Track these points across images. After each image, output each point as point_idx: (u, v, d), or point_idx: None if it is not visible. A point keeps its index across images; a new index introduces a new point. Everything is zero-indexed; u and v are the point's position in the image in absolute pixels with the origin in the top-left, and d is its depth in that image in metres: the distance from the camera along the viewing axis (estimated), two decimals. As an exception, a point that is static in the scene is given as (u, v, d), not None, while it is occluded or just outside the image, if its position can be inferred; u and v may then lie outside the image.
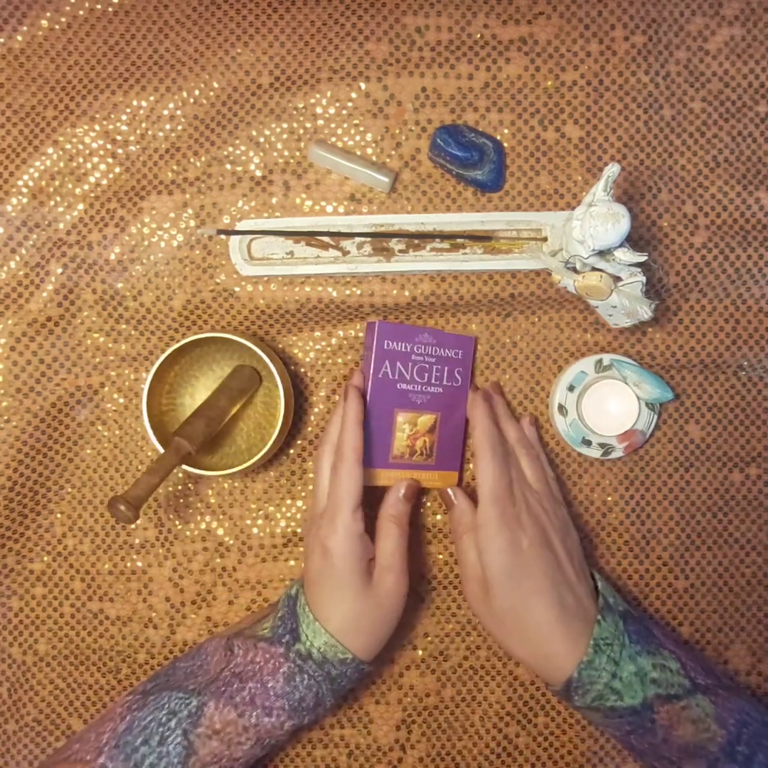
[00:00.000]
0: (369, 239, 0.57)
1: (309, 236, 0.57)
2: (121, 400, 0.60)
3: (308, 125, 0.58)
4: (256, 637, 0.52)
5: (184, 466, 0.53)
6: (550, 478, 0.58)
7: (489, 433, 0.53)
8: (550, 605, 0.50)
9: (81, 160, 0.58)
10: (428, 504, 0.61)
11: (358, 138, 0.58)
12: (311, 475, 0.61)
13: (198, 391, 0.59)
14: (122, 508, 0.48)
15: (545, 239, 0.57)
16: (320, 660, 0.50)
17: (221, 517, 0.60)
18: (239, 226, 0.57)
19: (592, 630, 0.50)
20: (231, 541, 0.60)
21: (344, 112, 0.58)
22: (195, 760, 0.49)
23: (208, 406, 0.55)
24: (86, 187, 0.58)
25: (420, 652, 0.61)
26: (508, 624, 0.51)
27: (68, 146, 0.58)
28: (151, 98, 0.58)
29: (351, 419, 0.53)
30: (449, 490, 0.57)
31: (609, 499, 0.60)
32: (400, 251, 0.58)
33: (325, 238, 0.57)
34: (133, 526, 0.60)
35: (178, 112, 0.58)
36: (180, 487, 0.60)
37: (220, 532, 0.60)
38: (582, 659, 0.49)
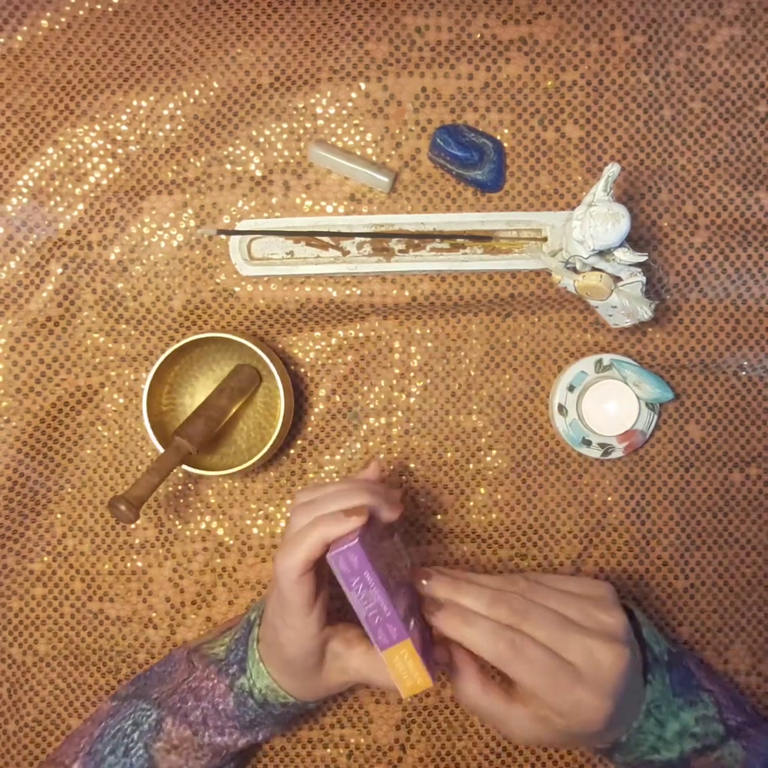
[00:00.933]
0: (369, 239, 0.57)
1: (309, 236, 0.57)
2: (121, 400, 0.60)
3: (308, 125, 0.58)
4: (210, 656, 0.52)
5: (184, 466, 0.53)
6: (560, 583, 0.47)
7: (492, 639, 0.42)
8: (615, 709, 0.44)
9: (81, 160, 0.58)
10: (428, 504, 0.61)
11: (358, 138, 0.58)
12: (311, 476, 0.61)
13: (198, 391, 0.59)
14: (123, 508, 0.48)
15: (545, 239, 0.57)
16: (261, 701, 0.50)
17: (221, 517, 0.60)
18: (239, 226, 0.57)
19: (644, 694, 0.47)
20: (231, 541, 0.60)
21: (344, 112, 0.58)
22: None
23: (209, 406, 0.55)
24: (86, 187, 0.58)
25: (420, 652, 0.61)
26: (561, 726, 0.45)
27: (68, 146, 0.58)
28: (151, 98, 0.58)
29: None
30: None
31: (609, 499, 0.60)
32: (400, 251, 0.58)
33: (325, 238, 0.57)
34: (133, 526, 0.60)
35: (178, 112, 0.58)
36: (180, 487, 0.60)
37: (220, 532, 0.60)
38: (631, 725, 0.47)
